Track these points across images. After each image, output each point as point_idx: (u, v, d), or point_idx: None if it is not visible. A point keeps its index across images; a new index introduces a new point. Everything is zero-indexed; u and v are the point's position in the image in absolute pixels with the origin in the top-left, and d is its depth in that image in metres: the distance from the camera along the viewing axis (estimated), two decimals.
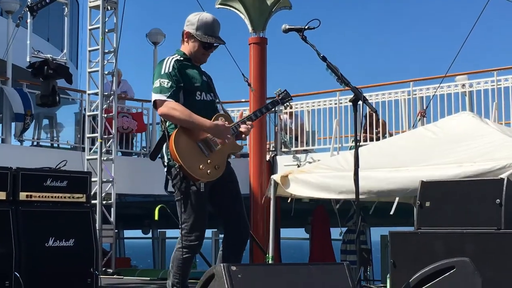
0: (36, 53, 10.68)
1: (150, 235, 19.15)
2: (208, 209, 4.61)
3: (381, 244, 13.58)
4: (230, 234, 4.68)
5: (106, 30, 11.39)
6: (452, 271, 4.66)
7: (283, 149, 13.45)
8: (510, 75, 11.42)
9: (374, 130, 12.34)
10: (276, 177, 8.97)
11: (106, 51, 11.36)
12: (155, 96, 4.50)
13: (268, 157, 13.28)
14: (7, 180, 5.67)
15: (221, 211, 4.70)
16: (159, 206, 9.67)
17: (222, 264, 3.66)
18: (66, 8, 11.66)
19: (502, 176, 6.01)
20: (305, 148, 13.27)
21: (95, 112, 11.36)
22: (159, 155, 4.61)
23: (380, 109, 12.28)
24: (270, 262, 9.10)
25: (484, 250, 4.68)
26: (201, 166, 4.42)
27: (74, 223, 6.03)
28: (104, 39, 11.31)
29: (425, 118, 11.66)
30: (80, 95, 13.04)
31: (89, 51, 11.55)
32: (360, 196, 4.69)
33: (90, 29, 11.50)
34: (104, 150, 11.26)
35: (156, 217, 9.59)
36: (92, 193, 7.05)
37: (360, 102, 4.44)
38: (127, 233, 20.97)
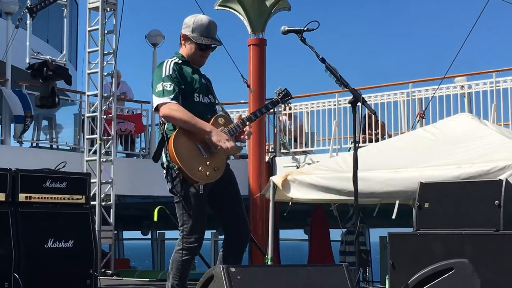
0: (35, 54, 10.69)
1: (149, 236, 19.17)
2: (207, 211, 4.61)
3: (380, 245, 13.60)
4: (230, 236, 4.68)
5: (106, 32, 11.40)
6: (451, 272, 4.67)
7: (282, 150, 13.46)
8: (509, 76, 11.43)
9: (373, 132, 12.35)
10: (275, 179, 8.96)
11: (106, 52, 11.37)
12: (157, 100, 4.48)
13: (267, 158, 13.30)
14: (6, 181, 5.67)
15: (220, 213, 4.70)
16: (158, 207, 9.68)
17: (221, 266, 3.66)
18: (65, 10, 11.68)
19: (501, 177, 6.00)
20: (304, 149, 13.29)
21: (94, 114, 11.36)
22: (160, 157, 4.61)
23: (379, 110, 12.30)
24: (269, 263, 9.10)
25: (483, 251, 4.69)
26: (200, 168, 4.42)
27: (73, 224, 6.04)
28: (103, 40, 11.32)
29: (424, 120, 11.67)
30: (80, 97, 13.05)
31: (89, 52, 11.55)
32: (359, 198, 4.69)
33: (89, 31, 11.51)
34: (103, 151, 11.26)
35: (155, 218, 9.60)
36: (91, 194, 7.06)
37: (359, 104, 4.45)
38: (126, 234, 20.99)
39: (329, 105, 13.00)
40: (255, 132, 12.12)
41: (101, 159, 11.17)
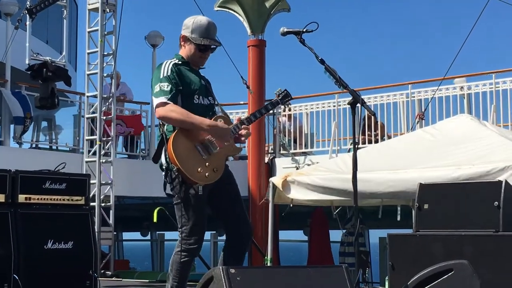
0: (35, 55, 10.69)
1: (148, 237, 19.16)
2: (207, 212, 4.60)
3: (380, 247, 13.60)
4: (231, 236, 4.67)
5: (105, 33, 11.40)
6: (450, 273, 4.67)
7: (282, 152, 13.47)
8: (508, 77, 11.44)
9: (373, 133, 12.35)
10: (275, 180, 8.97)
11: (105, 53, 11.37)
12: (155, 100, 4.50)
13: (266, 159, 13.30)
14: (6, 182, 5.67)
15: (220, 214, 4.70)
16: (157, 208, 9.67)
17: (221, 267, 3.66)
18: (65, 11, 11.68)
19: (500, 178, 6.01)
20: (303, 150, 13.29)
21: (94, 115, 11.37)
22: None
23: (379, 111, 12.30)
24: (268, 264, 9.11)
25: (482, 253, 4.69)
26: (199, 169, 4.42)
27: (73, 225, 6.03)
28: (103, 41, 11.32)
29: (423, 121, 11.67)
30: (79, 98, 13.05)
31: (88, 53, 11.55)
32: (358, 199, 4.69)
33: (89, 32, 11.51)
34: (102, 152, 11.26)
35: (155, 219, 9.60)
36: (91, 196, 7.06)
37: (358, 105, 4.45)
38: (126, 235, 20.99)
39: (329, 106, 13.01)
40: (254, 133, 12.13)
41: (101, 160, 11.18)
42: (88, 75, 11.52)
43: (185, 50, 4.69)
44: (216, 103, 4.78)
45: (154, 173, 5.84)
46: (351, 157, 4.41)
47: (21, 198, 5.75)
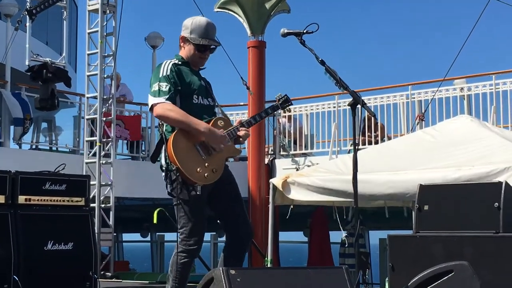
0: (35, 56, 10.68)
1: (148, 238, 19.15)
2: (207, 213, 4.60)
3: (380, 248, 13.59)
4: (231, 237, 4.67)
5: (105, 34, 11.39)
6: (450, 274, 4.66)
7: (282, 153, 13.46)
8: (509, 78, 11.43)
9: (373, 134, 12.35)
10: (275, 181, 8.96)
11: (105, 54, 11.36)
12: (152, 99, 4.50)
13: (266, 161, 13.30)
14: (6, 183, 5.67)
15: (220, 214, 4.70)
16: (157, 209, 9.66)
17: (221, 268, 3.66)
18: (65, 12, 11.66)
19: (500, 179, 6.00)
20: (303, 151, 13.29)
21: (94, 116, 11.36)
22: (158, 158, 4.61)
23: (379, 112, 12.30)
24: (268, 265, 9.10)
25: (483, 254, 4.68)
26: (198, 169, 4.42)
27: (73, 226, 6.04)
28: (103, 42, 11.31)
29: (423, 122, 11.67)
30: (79, 99, 13.05)
31: (88, 54, 11.54)
32: (359, 200, 4.69)
33: (89, 33, 11.50)
34: (102, 153, 11.26)
35: (155, 221, 9.57)
36: (90, 197, 7.05)
37: (358, 106, 4.45)
38: (126, 236, 20.98)
39: (329, 107, 13.01)
40: (254, 134, 12.12)
41: (101, 161, 11.17)
42: (88, 76, 11.52)
43: (185, 51, 4.70)
44: (216, 104, 4.79)
45: (154, 174, 5.84)
46: (351, 158, 4.41)
47: (21, 199, 5.75)
